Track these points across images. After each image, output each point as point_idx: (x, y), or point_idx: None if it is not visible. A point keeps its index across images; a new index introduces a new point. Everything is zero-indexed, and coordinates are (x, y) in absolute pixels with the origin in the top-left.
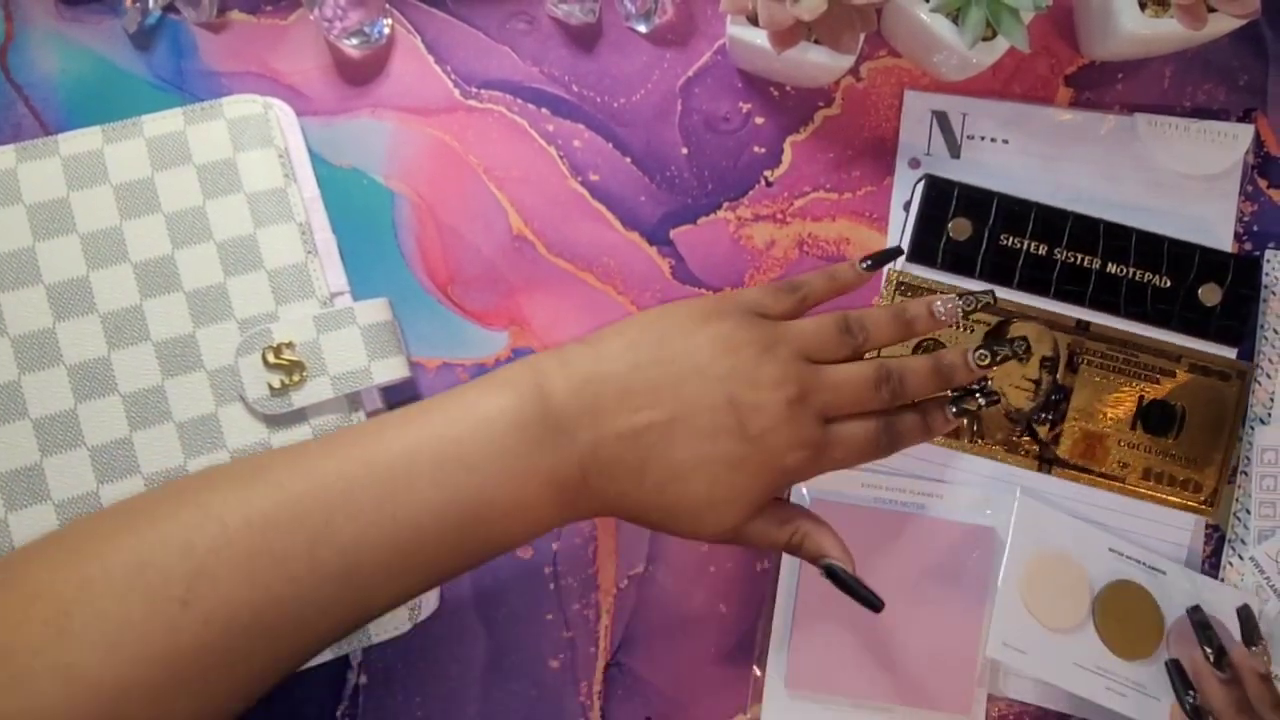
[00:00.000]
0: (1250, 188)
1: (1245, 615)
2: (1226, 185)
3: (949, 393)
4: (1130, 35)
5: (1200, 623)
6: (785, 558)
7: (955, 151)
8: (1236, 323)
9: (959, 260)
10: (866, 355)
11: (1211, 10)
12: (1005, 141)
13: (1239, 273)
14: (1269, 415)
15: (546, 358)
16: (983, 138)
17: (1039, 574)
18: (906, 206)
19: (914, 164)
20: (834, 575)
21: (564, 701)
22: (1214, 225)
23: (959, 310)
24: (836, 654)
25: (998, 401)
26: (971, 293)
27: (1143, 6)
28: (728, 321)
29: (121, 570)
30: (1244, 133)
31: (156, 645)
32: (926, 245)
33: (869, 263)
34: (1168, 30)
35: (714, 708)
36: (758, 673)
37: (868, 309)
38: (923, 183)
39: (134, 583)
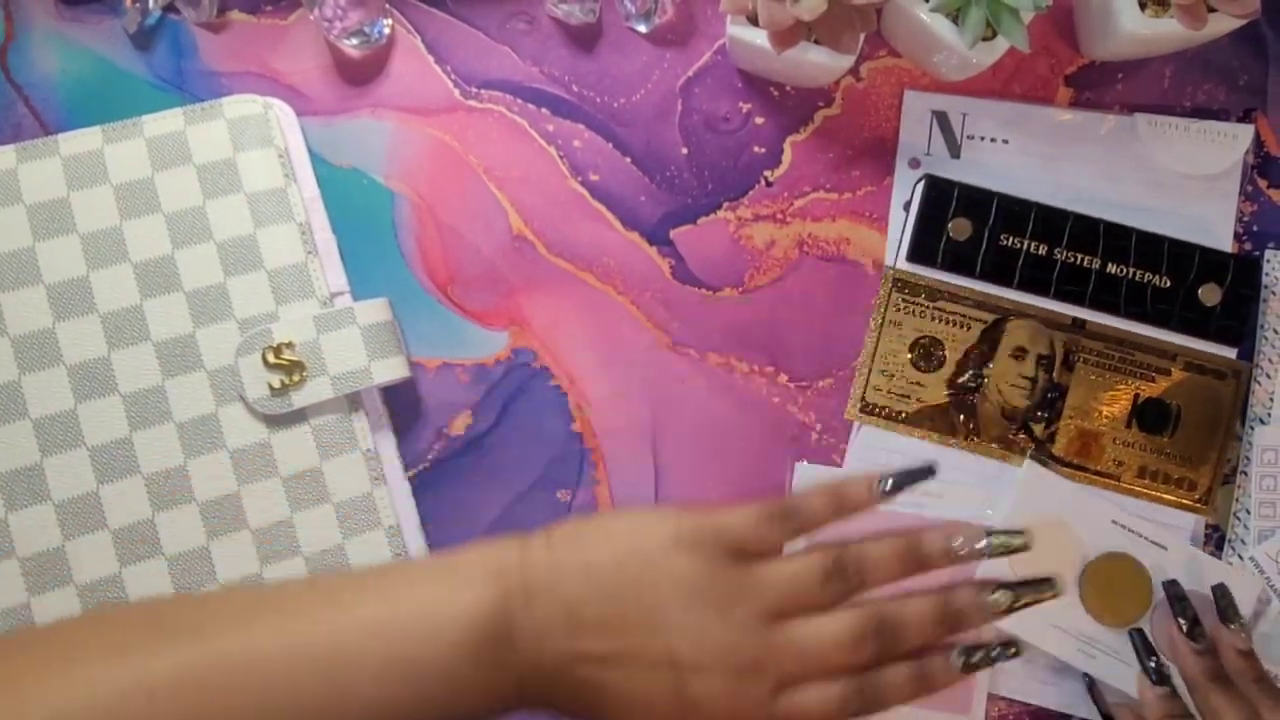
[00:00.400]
0: (1250, 188)
1: (1221, 593)
2: (1226, 185)
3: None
4: (1130, 35)
5: (1176, 595)
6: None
7: (955, 151)
8: (1236, 323)
9: (959, 260)
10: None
11: (1211, 10)
12: (1005, 141)
13: (1239, 273)
14: (1269, 415)
15: (505, 557)
16: (983, 138)
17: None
18: (906, 206)
19: (914, 164)
20: None
21: None
22: (1214, 225)
23: (986, 549)
24: None
25: (1018, 654)
26: (995, 531)
27: (1143, 6)
28: (697, 559)
29: None
30: (1244, 133)
31: None
32: (927, 245)
33: (890, 484)
34: (1168, 30)
35: None
36: None
37: (866, 543)
38: (923, 183)
39: None
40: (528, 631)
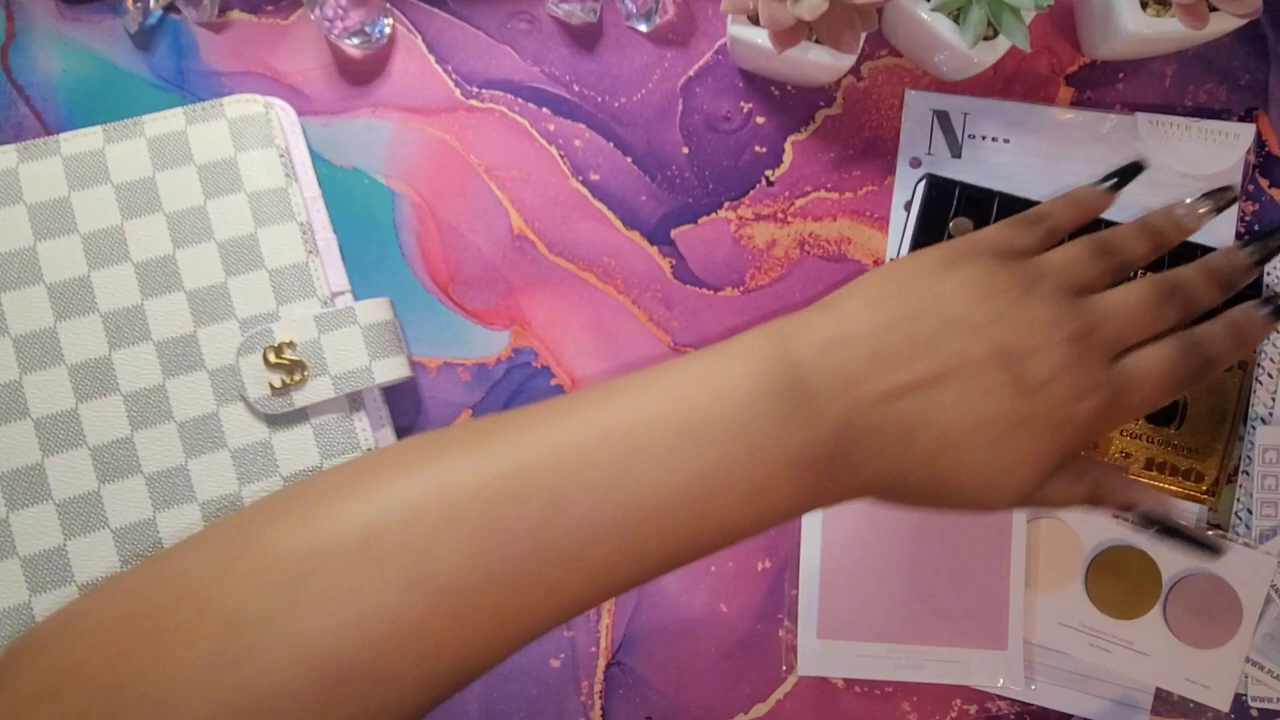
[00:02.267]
0: (1251, 187)
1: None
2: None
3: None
4: (1131, 34)
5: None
6: None
7: (956, 151)
8: None
9: None
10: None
11: (1213, 9)
12: (1006, 141)
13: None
14: (1270, 415)
15: (781, 324)
16: (984, 137)
17: (1031, 541)
18: (907, 206)
19: (915, 163)
20: (1156, 524)
21: (564, 701)
22: (1215, 225)
23: (1211, 213)
24: (865, 599)
25: None
26: (1213, 191)
27: (1144, 6)
28: (977, 265)
29: (351, 538)
30: (1245, 132)
31: (385, 623)
32: (927, 244)
33: (1114, 181)
34: (1169, 30)
35: (715, 707)
36: (788, 624)
37: (1108, 231)
38: (924, 182)
39: (364, 552)
40: (830, 383)
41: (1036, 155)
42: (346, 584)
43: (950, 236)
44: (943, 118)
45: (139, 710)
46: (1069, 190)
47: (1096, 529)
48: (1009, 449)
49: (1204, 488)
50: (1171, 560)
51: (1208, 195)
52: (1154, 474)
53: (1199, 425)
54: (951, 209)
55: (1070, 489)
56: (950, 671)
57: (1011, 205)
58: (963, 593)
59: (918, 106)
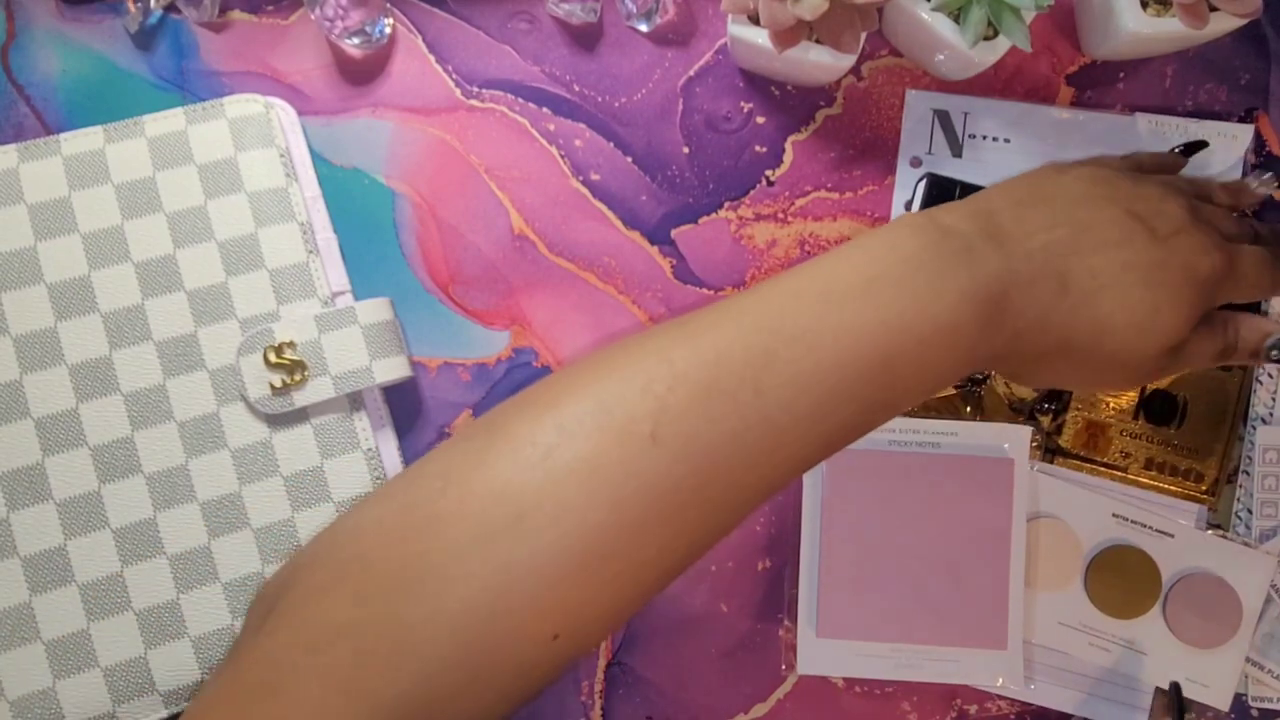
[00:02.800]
0: None
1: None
2: None
3: None
4: (1132, 34)
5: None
6: (806, 504)
7: (957, 151)
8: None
9: None
10: None
11: (1213, 9)
12: (1007, 141)
13: None
14: (1271, 415)
15: (924, 211)
16: (984, 137)
17: (1030, 540)
18: (908, 205)
19: (915, 163)
20: None
21: (565, 701)
22: None
23: (1261, 187)
24: (865, 598)
25: None
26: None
27: (1144, 5)
28: (1085, 166)
29: (591, 413)
30: (1243, 133)
31: (632, 481)
32: None
33: (1182, 149)
34: (1169, 29)
35: (715, 707)
36: (788, 624)
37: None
38: (924, 181)
39: (603, 423)
40: (983, 241)
41: (1037, 155)
42: (590, 454)
43: None
44: (943, 117)
45: (424, 585)
46: (1145, 154)
47: (1096, 529)
48: (1158, 287)
49: (1204, 487)
50: (1171, 560)
51: (1259, 177)
52: (1154, 474)
53: (1198, 425)
54: None
55: (1212, 337)
56: (949, 671)
57: None
58: (962, 592)
59: (918, 106)
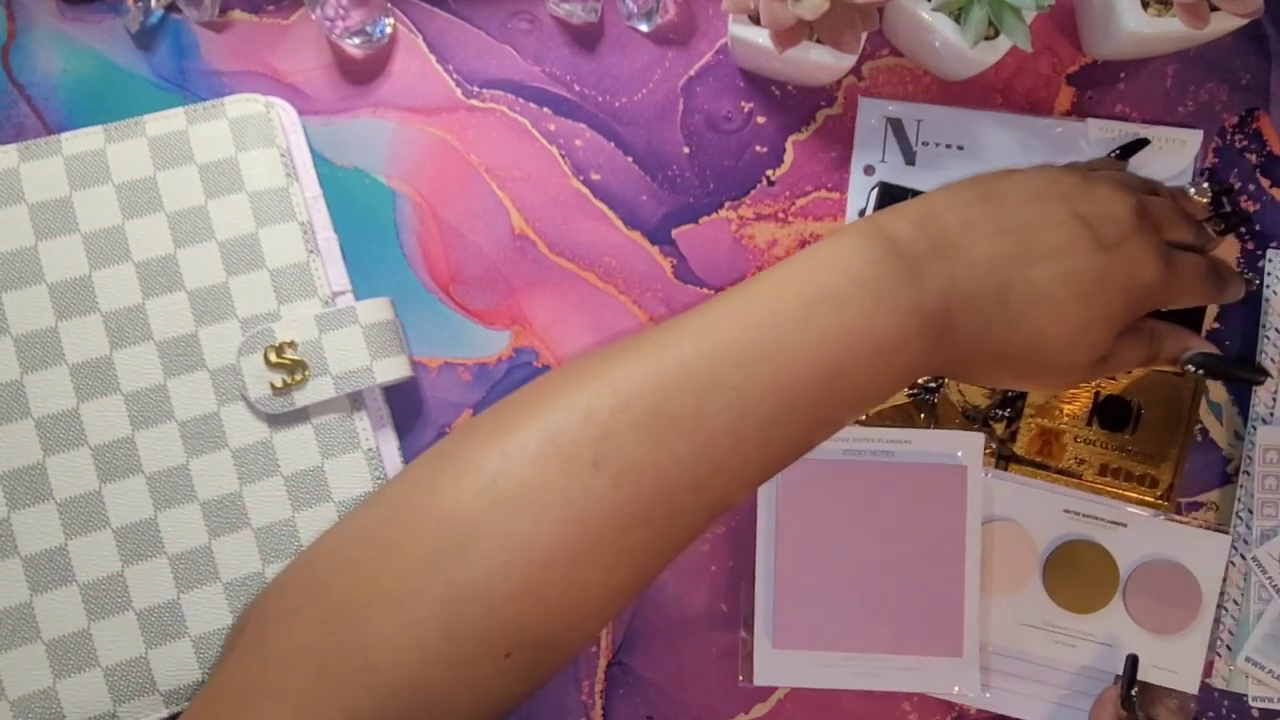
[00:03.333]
0: (1253, 186)
1: (1130, 665)
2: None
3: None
4: (1132, 34)
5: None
6: (761, 515)
7: (910, 158)
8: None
9: None
10: None
11: (1214, 9)
12: (960, 148)
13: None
14: (1271, 415)
15: (871, 217)
16: (937, 144)
17: (986, 544)
18: (862, 213)
19: (868, 170)
20: (1204, 366)
21: (565, 701)
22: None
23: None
24: (821, 609)
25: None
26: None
27: (1145, 5)
28: (1034, 167)
29: (535, 441)
30: (1192, 138)
31: (575, 508)
32: None
33: (1119, 152)
34: (1170, 29)
35: (715, 707)
36: (744, 635)
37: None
38: (876, 190)
39: (547, 451)
40: (929, 250)
41: (989, 161)
42: (535, 481)
43: None
44: (896, 125)
45: (375, 609)
46: (1089, 162)
47: (1048, 527)
48: (1093, 302)
49: (1158, 493)
50: (1126, 550)
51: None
52: (1108, 479)
53: (1152, 431)
54: None
55: (1137, 346)
56: (906, 679)
57: None
58: (918, 600)
59: (871, 114)
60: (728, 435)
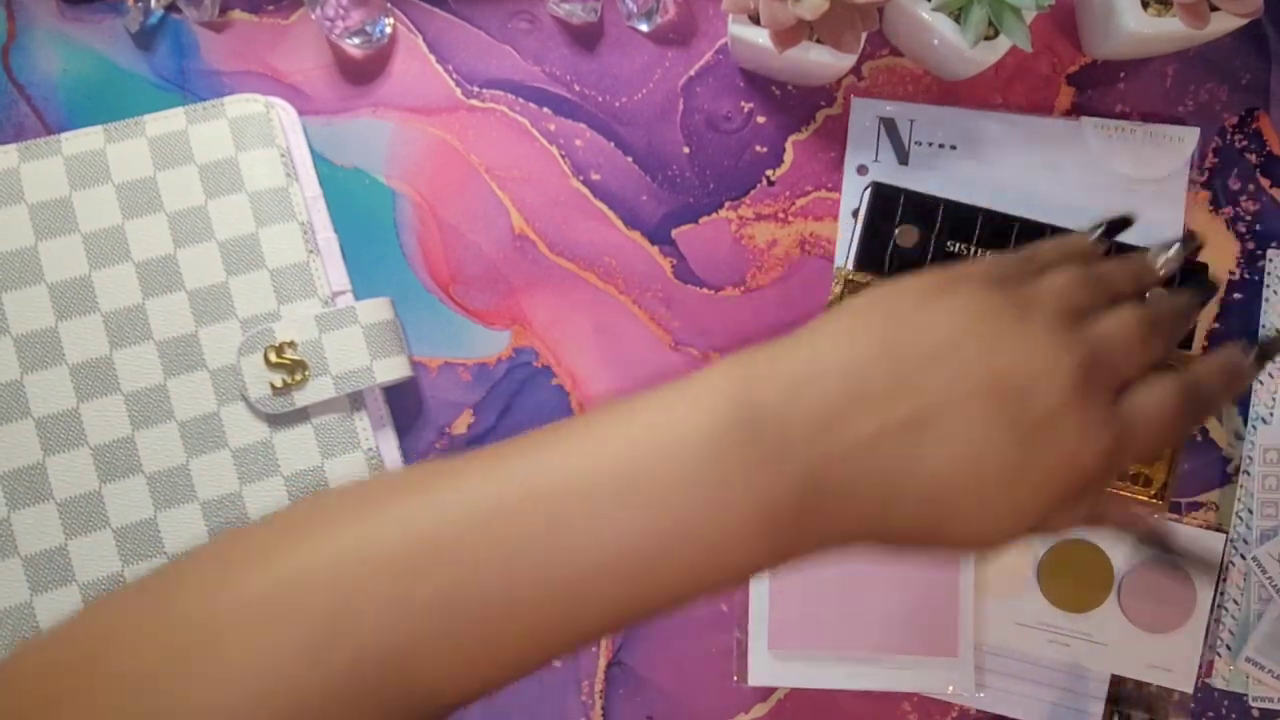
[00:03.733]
0: (1253, 186)
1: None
2: (1174, 189)
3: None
4: (1132, 34)
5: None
6: None
7: (904, 158)
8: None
9: (906, 267)
10: None
11: (1214, 9)
12: (953, 148)
13: (1184, 278)
14: (1271, 415)
15: (744, 360)
16: (930, 144)
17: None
18: (855, 214)
19: (861, 170)
20: (1154, 546)
21: (565, 701)
22: (1164, 229)
23: (1180, 256)
24: (816, 610)
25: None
26: (1183, 238)
27: (1145, 5)
28: (964, 289)
29: (269, 599)
30: (1189, 136)
31: (299, 684)
32: (873, 253)
33: (1102, 229)
34: (1170, 29)
35: (714, 707)
36: (739, 635)
37: (1100, 263)
38: (869, 190)
39: (280, 614)
40: (799, 429)
41: (983, 161)
42: (262, 649)
43: (897, 244)
44: (889, 125)
45: None
46: (1060, 239)
47: None
48: (1004, 500)
49: (1152, 492)
50: (1121, 549)
51: (1181, 242)
52: None
53: None
54: (897, 216)
55: (1069, 517)
56: (901, 679)
57: (958, 212)
58: (913, 600)
59: (864, 114)
60: (489, 636)
